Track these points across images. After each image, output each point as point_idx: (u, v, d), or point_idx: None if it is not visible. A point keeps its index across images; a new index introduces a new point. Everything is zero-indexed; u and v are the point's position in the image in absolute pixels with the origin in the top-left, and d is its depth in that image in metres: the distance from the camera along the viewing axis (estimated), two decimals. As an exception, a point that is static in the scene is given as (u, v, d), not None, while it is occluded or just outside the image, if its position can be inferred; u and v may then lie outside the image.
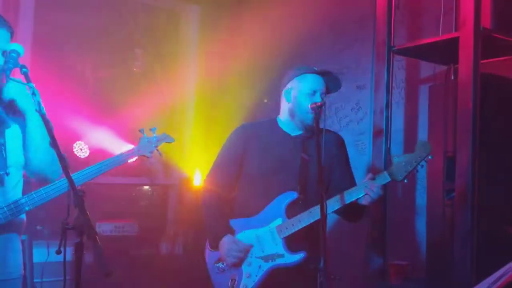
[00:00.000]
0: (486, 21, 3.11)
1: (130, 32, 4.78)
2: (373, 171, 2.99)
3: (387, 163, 3.24)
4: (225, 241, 2.56)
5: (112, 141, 4.16)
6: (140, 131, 2.47)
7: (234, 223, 2.63)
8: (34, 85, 2.00)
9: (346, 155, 2.75)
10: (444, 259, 3.09)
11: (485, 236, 2.92)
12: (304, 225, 2.47)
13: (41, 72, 2.57)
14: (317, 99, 2.54)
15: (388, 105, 3.39)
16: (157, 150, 2.48)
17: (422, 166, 2.42)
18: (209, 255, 2.67)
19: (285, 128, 2.68)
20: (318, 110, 2.43)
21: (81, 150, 4.19)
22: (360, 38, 4.13)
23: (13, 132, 2.22)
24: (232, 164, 2.67)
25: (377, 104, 3.42)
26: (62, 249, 1.78)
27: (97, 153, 4.08)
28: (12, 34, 2.20)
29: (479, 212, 2.88)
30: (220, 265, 2.60)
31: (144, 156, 2.45)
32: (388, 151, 3.33)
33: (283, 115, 2.69)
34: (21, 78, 2.04)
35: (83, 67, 4.67)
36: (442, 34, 3.37)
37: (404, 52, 3.51)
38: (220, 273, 2.60)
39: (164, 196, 4.78)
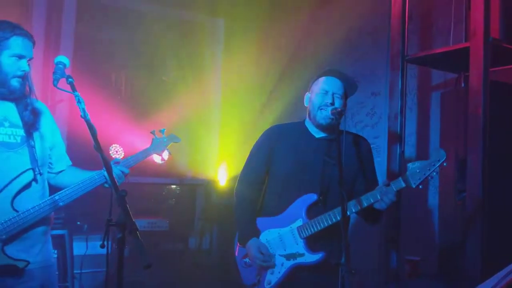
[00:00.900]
0: (495, 32, 3.09)
1: (161, 45, 4.85)
2: (388, 175, 2.98)
3: (402, 168, 3.22)
4: (252, 245, 2.57)
5: (143, 144, 4.22)
6: (151, 132, 2.57)
7: (259, 221, 2.65)
8: (79, 93, 2.06)
9: (371, 160, 2.70)
10: (455, 256, 3.07)
11: (494, 234, 2.90)
12: (324, 226, 2.47)
13: (80, 82, 2.63)
14: (329, 98, 2.52)
15: (402, 111, 3.39)
16: (166, 149, 2.57)
17: (436, 172, 2.37)
18: (238, 250, 2.69)
19: (311, 130, 2.67)
20: (338, 115, 2.43)
21: (116, 152, 4.26)
22: (375, 47, 4.13)
23: (40, 135, 2.31)
24: (260, 164, 2.68)
25: (392, 110, 3.42)
26: (105, 243, 1.82)
27: (130, 154, 4.15)
28: (34, 44, 2.28)
29: (488, 212, 2.86)
30: (247, 260, 2.63)
31: (156, 154, 2.55)
32: (402, 154, 3.32)
33: (307, 118, 2.70)
34: (67, 87, 2.11)
35: (117, 77, 4.77)
36: (452, 44, 3.36)
37: (416, 61, 3.51)
38: (247, 267, 2.63)
39: (192, 195, 4.83)
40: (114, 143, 4.20)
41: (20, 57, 2.22)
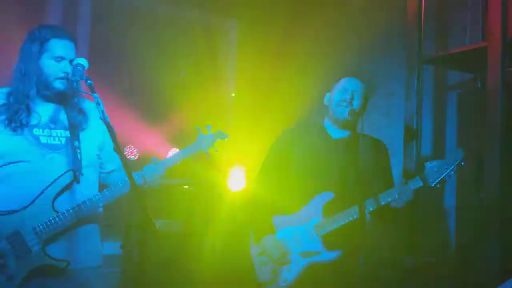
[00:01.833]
0: (513, 31, 3.06)
1: (175, 45, 4.87)
2: (405, 174, 2.98)
3: (419, 167, 3.21)
4: (267, 241, 2.59)
5: (158, 144, 4.26)
6: (196, 129, 2.46)
7: (276, 219, 2.66)
8: (98, 95, 2.08)
9: (388, 162, 2.72)
10: (472, 257, 3.05)
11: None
12: (340, 224, 2.49)
13: (95, 82, 2.65)
14: (348, 94, 2.56)
15: (418, 111, 3.38)
16: (213, 146, 2.45)
17: (454, 172, 2.38)
18: (253, 248, 2.70)
19: (328, 131, 2.69)
20: (355, 116, 2.45)
21: (131, 153, 4.30)
22: (391, 47, 4.11)
23: (87, 135, 2.31)
24: (278, 163, 2.70)
25: (408, 110, 3.41)
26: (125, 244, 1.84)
27: (145, 156, 4.18)
28: (75, 44, 2.31)
29: (506, 213, 2.84)
30: (262, 257, 2.64)
31: (201, 152, 2.43)
32: (418, 155, 3.31)
33: (326, 118, 2.72)
34: (86, 89, 2.13)
35: (132, 78, 4.80)
36: (469, 44, 3.34)
37: (433, 61, 3.50)
38: (262, 265, 2.63)
39: (206, 195, 4.84)
40: (128, 145, 4.26)
41: (60, 59, 2.24)
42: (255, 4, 4.86)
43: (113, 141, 1.93)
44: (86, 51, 4.26)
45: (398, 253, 3.45)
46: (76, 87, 2.15)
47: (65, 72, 2.24)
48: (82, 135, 2.30)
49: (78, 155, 2.24)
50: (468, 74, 3.61)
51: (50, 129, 2.26)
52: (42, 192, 2.18)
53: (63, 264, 2.17)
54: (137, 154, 4.28)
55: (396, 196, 2.41)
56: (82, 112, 2.32)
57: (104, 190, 2.23)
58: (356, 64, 4.17)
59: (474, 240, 3.05)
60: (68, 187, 2.21)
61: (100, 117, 2.03)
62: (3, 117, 2.21)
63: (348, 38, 4.30)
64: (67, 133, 2.28)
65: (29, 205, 2.16)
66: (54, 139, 2.26)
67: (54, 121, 2.28)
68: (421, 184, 2.41)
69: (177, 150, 4.47)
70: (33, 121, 2.23)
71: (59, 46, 2.23)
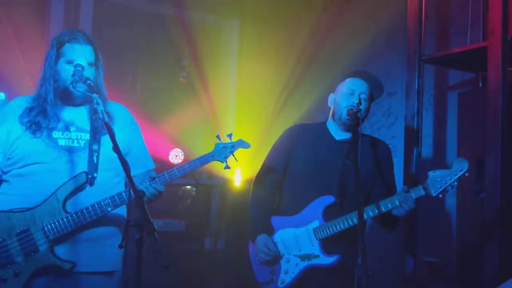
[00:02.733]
0: (514, 30, 3.06)
1: (177, 46, 4.88)
2: (405, 175, 2.96)
3: (418, 169, 3.20)
4: (259, 240, 2.58)
5: (158, 145, 4.26)
6: (216, 137, 2.35)
7: (274, 219, 2.65)
8: (97, 95, 2.08)
9: (391, 164, 2.69)
10: (473, 257, 3.04)
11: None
12: (340, 229, 2.46)
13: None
14: (355, 99, 2.52)
15: (418, 111, 3.37)
16: (233, 155, 2.34)
17: (457, 182, 2.34)
18: (251, 248, 2.69)
19: (331, 132, 2.66)
20: (354, 116, 2.43)
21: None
22: (391, 47, 4.11)
23: (108, 139, 2.29)
24: (279, 163, 2.68)
25: (408, 110, 3.41)
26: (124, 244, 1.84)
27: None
28: (93, 46, 2.29)
29: (507, 213, 2.83)
30: (258, 257, 2.63)
31: (219, 161, 2.33)
32: (419, 155, 3.30)
33: (329, 119, 2.69)
34: (85, 89, 2.13)
35: (133, 78, 4.81)
36: (470, 43, 3.33)
37: (433, 60, 3.49)
38: (260, 265, 2.62)
39: (208, 196, 4.85)
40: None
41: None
42: (257, 5, 4.86)
43: (112, 142, 1.93)
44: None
45: (398, 254, 3.44)
46: (76, 87, 2.15)
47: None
48: (103, 139, 2.28)
49: (95, 158, 2.24)
50: (469, 74, 3.60)
51: (71, 132, 2.28)
52: (54, 192, 2.19)
53: (68, 265, 2.17)
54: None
55: (398, 204, 2.38)
56: (108, 115, 2.22)
57: (114, 195, 2.20)
58: (356, 64, 4.17)
59: (474, 240, 3.04)
60: (79, 188, 2.21)
61: (99, 118, 2.03)
62: (25, 120, 2.25)
63: (349, 38, 4.30)
64: (87, 136, 2.28)
65: (41, 204, 2.18)
66: (73, 142, 2.27)
67: (75, 124, 2.30)
68: (423, 193, 2.38)
69: (179, 150, 4.52)
70: (52, 124, 2.25)
71: (73, 51, 2.23)
